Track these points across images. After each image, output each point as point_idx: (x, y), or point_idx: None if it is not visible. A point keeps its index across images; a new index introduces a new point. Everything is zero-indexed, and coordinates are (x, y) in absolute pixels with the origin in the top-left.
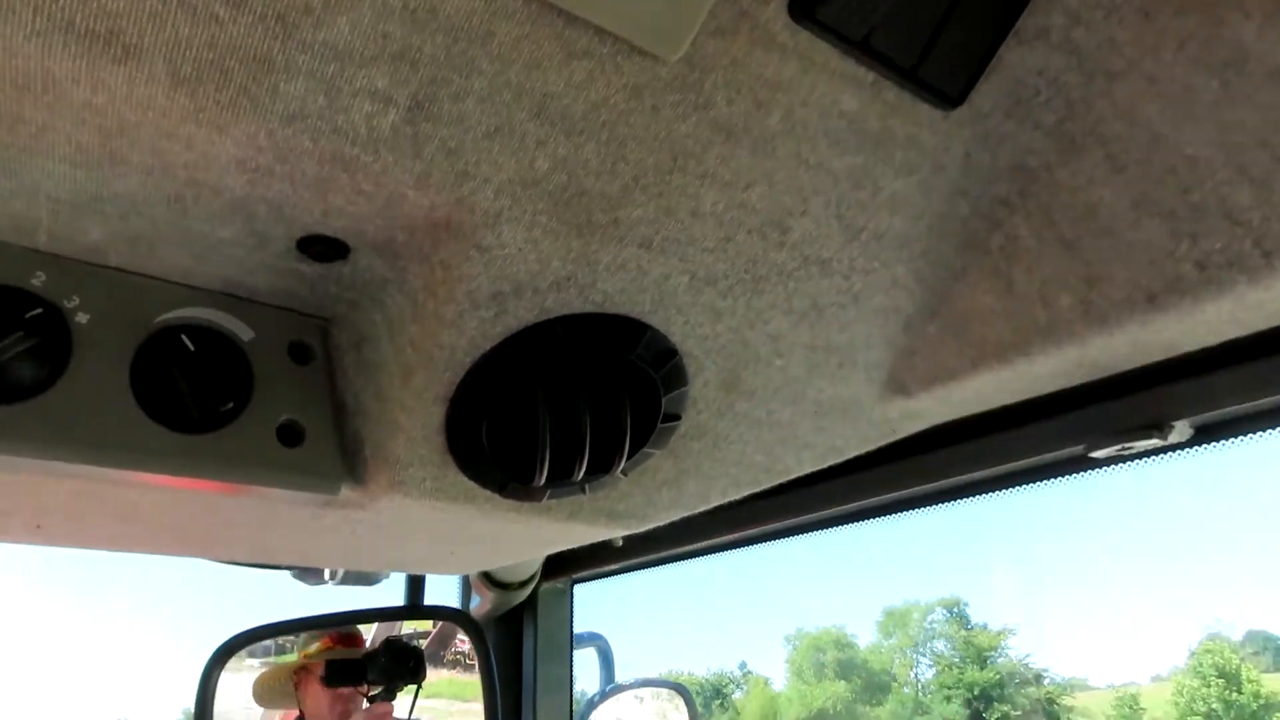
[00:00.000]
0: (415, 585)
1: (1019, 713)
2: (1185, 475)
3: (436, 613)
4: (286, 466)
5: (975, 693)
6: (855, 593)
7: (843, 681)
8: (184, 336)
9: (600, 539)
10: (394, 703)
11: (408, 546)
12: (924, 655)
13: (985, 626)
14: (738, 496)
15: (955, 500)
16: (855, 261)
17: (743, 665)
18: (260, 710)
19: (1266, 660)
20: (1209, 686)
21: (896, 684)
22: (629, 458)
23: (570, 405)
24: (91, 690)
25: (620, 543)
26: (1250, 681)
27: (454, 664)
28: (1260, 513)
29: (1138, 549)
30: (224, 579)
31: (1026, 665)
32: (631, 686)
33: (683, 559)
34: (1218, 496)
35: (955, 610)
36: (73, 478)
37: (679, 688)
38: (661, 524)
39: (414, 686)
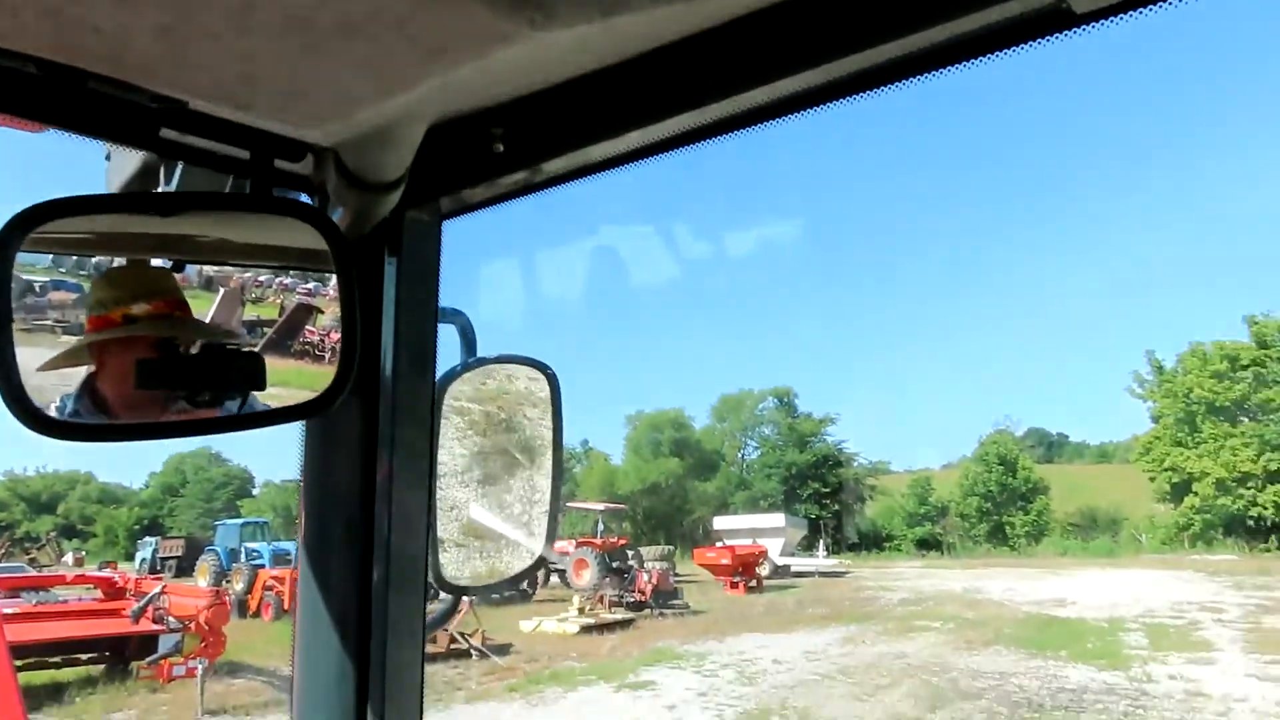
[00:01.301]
0: (261, 181)
1: (827, 489)
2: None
3: (286, 207)
4: None
5: (793, 472)
6: (697, 378)
7: (676, 459)
8: None
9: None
10: (217, 409)
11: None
12: (752, 439)
13: (810, 415)
14: None
15: (905, 79)
16: None
17: (584, 442)
18: (75, 378)
19: (1040, 453)
20: (990, 472)
21: (725, 463)
22: None
23: None
24: None
25: (501, 147)
26: (1024, 469)
27: (302, 355)
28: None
29: (954, 354)
30: None
31: (840, 450)
32: (495, 361)
33: (572, 178)
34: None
35: (785, 400)
36: None
37: (543, 366)
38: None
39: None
